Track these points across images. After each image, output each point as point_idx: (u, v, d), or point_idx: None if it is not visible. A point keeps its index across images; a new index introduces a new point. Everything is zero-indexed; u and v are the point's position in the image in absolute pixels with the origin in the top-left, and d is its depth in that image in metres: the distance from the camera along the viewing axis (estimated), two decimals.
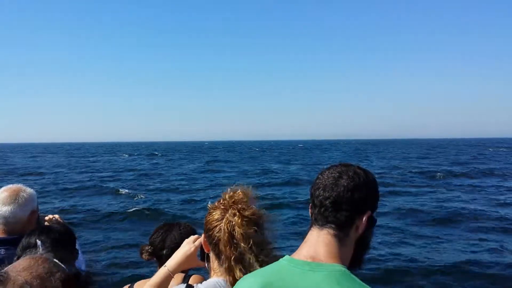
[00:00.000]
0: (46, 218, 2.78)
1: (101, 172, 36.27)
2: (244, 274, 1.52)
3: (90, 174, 33.92)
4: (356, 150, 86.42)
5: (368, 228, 1.45)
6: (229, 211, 1.61)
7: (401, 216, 15.53)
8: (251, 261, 1.55)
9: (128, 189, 23.80)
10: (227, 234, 1.57)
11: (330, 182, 1.44)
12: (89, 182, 27.13)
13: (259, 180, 29.07)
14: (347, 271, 1.33)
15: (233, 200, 1.65)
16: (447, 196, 19.98)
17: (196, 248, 1.83)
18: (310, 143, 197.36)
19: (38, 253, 1.34)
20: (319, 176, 1.51)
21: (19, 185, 2.56)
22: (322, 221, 1.44)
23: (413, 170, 32.87)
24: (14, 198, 2.45)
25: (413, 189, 22.83)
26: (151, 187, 25.53)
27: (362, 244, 1.48)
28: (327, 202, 1.42)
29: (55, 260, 1.22)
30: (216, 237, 1.62)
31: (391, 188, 22.87)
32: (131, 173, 35.03)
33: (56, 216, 2.84)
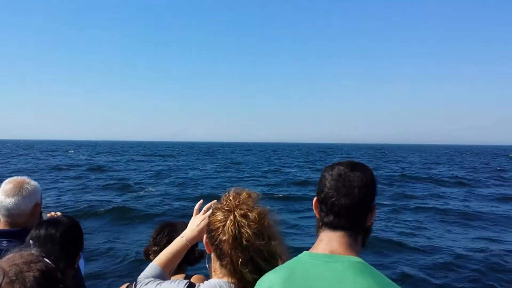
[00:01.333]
0: (48, 215, 2.61)
1: (121, 172, 34.93)
2: (256, 274, 1.52)
3: (111, 173, 32.57)
4: (367, 155, 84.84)
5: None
6: (236, 212, 1.57)
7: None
8: (264, 260, 1.54)
9: (149, 188, 23.14)
10: (232, 236, 1.53)
11: (345, 191, 1.45)
12: (110, 182, 25.83)
13: (282, 181, 28.44)
14: (367, 263, 1.38)
15: (237, 201, 1.62)
16: None
17: None
18: (314, 146, 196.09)
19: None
20: (327, 177, 1.51)
21: (24, 177, 2.50)
22: (336, 225, 1.47)
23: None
24: (18, 190, 2.39)
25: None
26: (172, 188, 24.33)
27: (367, 231, 1.55)
28: (344, 211, 1.45)
29: (41, 254, 1.24)
30: (218, 238, 1.57)
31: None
32: (148, 173, 33.86)
33: (59, 213, 2.63)
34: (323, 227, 1.51)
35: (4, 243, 2.26)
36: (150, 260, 2.16)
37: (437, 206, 17.93)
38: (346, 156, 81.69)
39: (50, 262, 1.22)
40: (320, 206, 1.53)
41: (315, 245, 1.51)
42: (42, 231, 2.02)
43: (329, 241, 1.46)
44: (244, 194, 1.66)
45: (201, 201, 2.03)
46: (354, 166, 1.52)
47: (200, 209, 2.00)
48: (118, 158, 58.77)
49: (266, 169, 41.13)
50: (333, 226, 1.48)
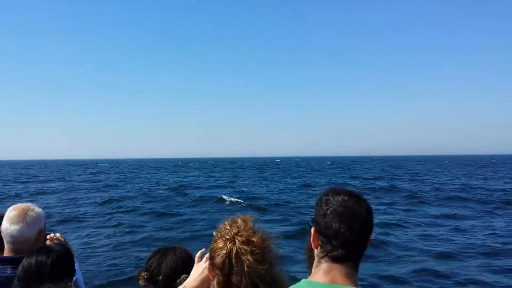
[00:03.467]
0: (48, 236, 2.52)
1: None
2: None
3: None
4: (392, 167, 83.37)
5: None
6: (237, 239, 1.57)
7: None
8: (267, 285, 1.53)
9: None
10: (221, 265, 1.55)
11: (353, 224, 1.38)
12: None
13: None
14: None
15: (236, 228, 1.61)
16: None
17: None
18: (327, 160, 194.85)
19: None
20: (330, 207, 1.42)
21: (28, 204, 2.45)
22: (341, 257, 1.39)
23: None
24: (23, 217, 2.33)
25: None
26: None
27: None
28: (351, 244, 1.38)
29: None
30: (218, 266, 1.59)
31: None
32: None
33: (58, 234, 2.59)
34: (325, 259, 1.42)
35: (9, 270, 2.21)
36: (140, 285, 2.20)
37: None
38: (375, 169, 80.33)
39: None
40: (321, 238, 1.43)
41: (313, 273, 1.45)
42: (33, 259, 2.00)
43: (329, 271, 1.40)
44: (240, 221, 1.63)
45: (203, 249, 1.93)
46: (357, 196, 1.45)
47: (202, 257, 1.94)
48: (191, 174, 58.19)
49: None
50: (337, 259, 1.39)
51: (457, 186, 32.84)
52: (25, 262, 2.01)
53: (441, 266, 10.49)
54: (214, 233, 1.69)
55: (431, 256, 11.62)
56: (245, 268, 1.51)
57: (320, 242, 1.44)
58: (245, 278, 1.51)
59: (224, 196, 25.68)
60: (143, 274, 2.25)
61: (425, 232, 14.93)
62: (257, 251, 1.54)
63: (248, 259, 1.52)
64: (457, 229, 15.56)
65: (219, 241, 1.61)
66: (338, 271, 1.38)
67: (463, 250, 12.13)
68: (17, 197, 27.09)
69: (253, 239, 1.56)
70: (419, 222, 17.14)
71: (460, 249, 12.26)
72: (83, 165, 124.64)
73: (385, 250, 12.23)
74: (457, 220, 17.83)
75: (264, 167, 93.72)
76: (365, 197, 1.47)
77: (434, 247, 12.58)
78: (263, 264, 1.53)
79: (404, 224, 16.39)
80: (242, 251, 1.53)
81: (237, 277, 1.52)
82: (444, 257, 11.48)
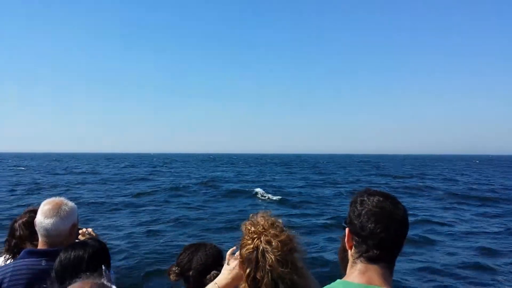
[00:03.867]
0: (80, 231, 2.68)
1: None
2: None
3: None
4: (421, 166, 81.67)
5: None
6: (262, 237, 1.61)
7: None
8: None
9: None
10: (248, 257, 1.61)
11: (390, 225, 1.36)
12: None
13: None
14: None
15: (262, 227, 1.65)
16: None
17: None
18: (340, 157, 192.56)
19: (102, 279, 1.32)
20: (366, 208, 1.40)
21: (61, 198, 2.48)
22: (377, 258, 1.37)
23: None
24: (56, 211, 2.37)
25: None
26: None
27: None
28: (389, 244, 1.37)
29: (106, 284, 1.24)
30: (245, 260, 1.64)
31: None
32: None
33: (90, 229, 2.76)
34: (360, 259, 1.40)
35: (43, 262, 2.24)
36: (170, 280, 2.24)
37: None
38: (407, 167, 78.94)
39: None
40: (356, 238, 1.42)
41: (348, 274, 1.43)
42: (71, 253, 2.02)
43: (364, 271, 1.38)
44: (266, 220, 1.67)
45: (234, 247, 1.94)
46: (392, 198, 1.43)
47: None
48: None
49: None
50: (372, 259, 1.38)
51: (493, 186, 31.69)
52: (62, 256, 2.03)
53: (488, 262, 10.30)
54: (243, 229, 1.73)
55: (477, 253, 11.39)
56: (267, 266, 1.58)
57: (354, 243, 1.44)
58: (267, 275, 1.57)
59: (258, 191, 25.75)
60: (174, 269, 2.29)
61: (468, 230, 14.56)
62: (279, 252, 1.58)
63: (270, 258, 1.58)
64: (501, 227, 15.09)
65: (247, 237, 1.68)
66: (374, 271, 1.38)
67: (509, 248, 11.85)
68: (53, 188, 27.68)
69: (277, 239, 1.61)
70: (459, 220, 16.66)
71: (507, 247, 11.97)
72: (112, 159, 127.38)
73: (428, 247, 11.90)
74: (499, 218, 17.27)
75: (290, 163, 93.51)
76: (400, 197, 1.39)
77: (479, 244, 12.29)
78: (284, 266, 1.58)
79: (446, 222, 15.92)
80: (267, 248, 1.60)
81: (261, 273, 1.58)
82: (490, 254, 11.23)
